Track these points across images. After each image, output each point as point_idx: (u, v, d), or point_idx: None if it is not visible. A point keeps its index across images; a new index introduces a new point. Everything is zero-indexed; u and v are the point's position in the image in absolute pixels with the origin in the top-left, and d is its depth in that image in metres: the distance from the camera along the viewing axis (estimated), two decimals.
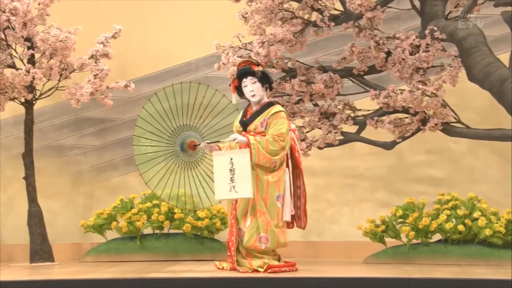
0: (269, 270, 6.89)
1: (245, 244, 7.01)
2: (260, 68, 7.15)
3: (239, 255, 7.09)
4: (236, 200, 7.08)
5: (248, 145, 6.97)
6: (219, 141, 7.11)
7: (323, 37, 8.40)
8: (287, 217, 7.08)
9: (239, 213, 7.08)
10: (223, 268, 7.17)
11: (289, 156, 7.18)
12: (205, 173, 7.33)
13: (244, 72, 7.17)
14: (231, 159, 6.94)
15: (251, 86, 7.12)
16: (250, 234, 7.00)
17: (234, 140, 7.03)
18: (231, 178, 6.92)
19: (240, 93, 7.22)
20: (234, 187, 6.92)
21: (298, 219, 7.23)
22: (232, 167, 6.94)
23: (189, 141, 7.34)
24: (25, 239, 8.56)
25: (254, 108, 7.17)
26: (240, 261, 7.06)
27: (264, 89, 7.18)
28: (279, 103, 7.41)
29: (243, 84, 7.16)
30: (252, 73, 7.12)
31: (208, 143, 7.12)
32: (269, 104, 7.16)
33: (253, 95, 7.14)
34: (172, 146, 7.34)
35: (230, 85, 7.31)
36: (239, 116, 7.22)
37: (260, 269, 6.91)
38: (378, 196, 9.14)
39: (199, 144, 7.23)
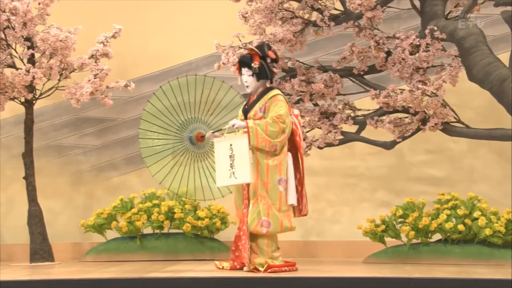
0: (269, 270, 6.89)
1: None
2: (257, 64, 7.10)
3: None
4: (248, 189, 7.05)
5: (246, 129, 6.97)
6: (221, 129, 7.11)
7: (323, 36, 8.40)
8: (292, 201, 7.06)
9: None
10: (223, 267, 7.17)
11: (292, 140, 7.17)
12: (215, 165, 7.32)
13: (243, 61, 7.16)
14: (231, 145, 6.95)
15: (246, 78, 7.13)
16: (251, 218, 6.96)
17: (233, 125, 7.03)
18: (231, 164, 6.93)
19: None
20: (233, 173, 6.92)
21: (298, 203, 7.18)
22: (231, 153, 6.94)
23: (197, 133, 7.34)
24: (25, 239, 8.56)
25: (255, 95, 7.19)
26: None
27: (261, 83, 7.15)
28: (277, 88, 7.41)
29: (242, 72, 7.16)
30: (250, 66, 7.11)
31: (213, 132, 7.12)
32: (267, 90, 7.16)
33: (247, 86, 7.16)
34: (180, 139, 7.33)
35: (235, 65, 7.32)
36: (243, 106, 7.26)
37: (260, 268, 6.91)
38: (378, 196, 9.14)
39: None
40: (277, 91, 7.14)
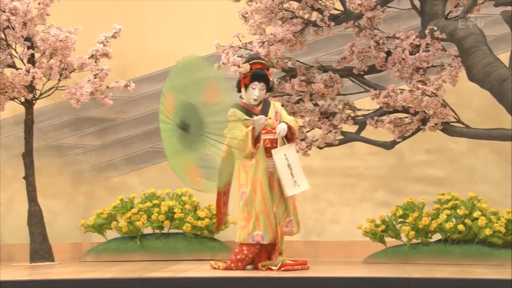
0: (282, 268, 6.94)
1: None
2: (275, 80, 7.36)
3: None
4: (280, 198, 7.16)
5: (290, 133, 7.19)
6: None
7: (323, 36, 8.40)
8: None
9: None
10: (219, 267, 7.17)
11: None
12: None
13: (261, 75, 7.23)
14: (285, 154, 7.10)
15: (259, 92, 7.23)
16: (278, 220, 7.08)
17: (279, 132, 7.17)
18: (291, 173, 7.08)
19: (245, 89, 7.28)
20: (295, 181, 7.09)
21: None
22: (288, 162, 7.09)
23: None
24: (25, 239, 8.56)
25: (255, 105, 7.26)
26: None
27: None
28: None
29: (252, 86, 7.21)
30: (267, 81, 7.24)
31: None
32: (268, 100, 7.36)
33: (256, 99, 7.24)
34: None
35: (240, 78, 7.29)
36: (240, 114, 7.21)
37: (273, 268, 6.94)
38: (378, 196, 9.14)
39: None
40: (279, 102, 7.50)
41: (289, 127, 7.19)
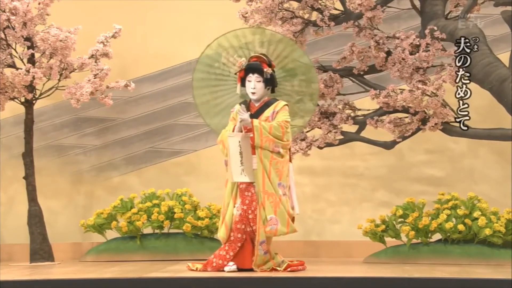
0: (288, 269, 6.94)
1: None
2: (270, 70, 7.14)
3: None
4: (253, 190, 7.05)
5: (251, 128, 7.00)
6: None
7: (323, 36, 8.41)
8: (297, 210, 7.12)
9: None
10: (196, 269, 7.12)
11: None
12: None
13: (253, 67, 7.13)
14: (239, 141, 6.99)
15: (254, 84, 7.11)
16: (262, 220, 6.96)
17: (240, 121, 7.03)
18: (241, 160, 6.98)
19: (242, 84, 7.21)
20: (243, 170, 6.98)
21: None
22: (240, 150, 6.98)
23: None
24: (25, 239, 8.56)
25: (257, 104, 7.18)
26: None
27: (265, 91, 7.19)
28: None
29: (247, 79, 7.14)
30: (261, 72, 7.11)
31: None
32: (275, 99, 7.22)
33: (253, 93, 7.14)
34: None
35: (235, 73, 7.26)
36: (239, 109, 7.17)
37: (279, 269, 6.94)
38: (378, 196, 9.14)
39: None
40: (285, 102, 7.21)
41: (253, 128, 6.99)
